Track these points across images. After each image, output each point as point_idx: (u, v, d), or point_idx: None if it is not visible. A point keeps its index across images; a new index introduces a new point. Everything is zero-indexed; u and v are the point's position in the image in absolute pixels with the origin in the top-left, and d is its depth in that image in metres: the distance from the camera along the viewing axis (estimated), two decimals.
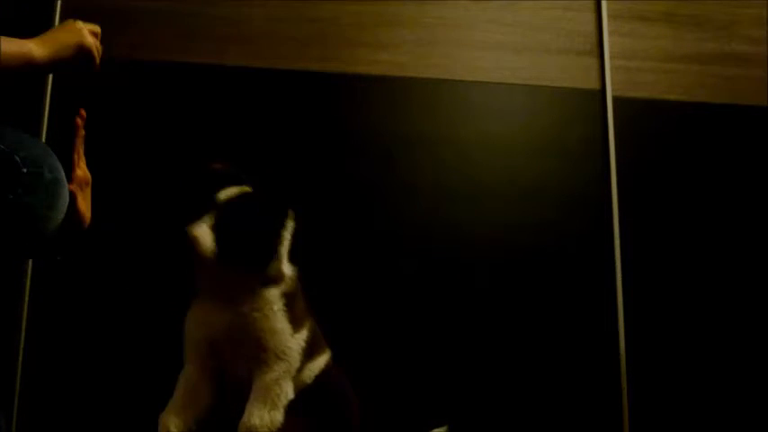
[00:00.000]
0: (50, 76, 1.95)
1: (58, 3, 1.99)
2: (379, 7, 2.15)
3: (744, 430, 2.01)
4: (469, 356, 1.99)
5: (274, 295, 1.36)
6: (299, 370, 1.38)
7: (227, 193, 1.38)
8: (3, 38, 1.06)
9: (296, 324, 1.38)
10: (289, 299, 1.38)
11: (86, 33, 1.22)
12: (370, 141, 2.06)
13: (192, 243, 1.29)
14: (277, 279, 1.37)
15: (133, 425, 1.84)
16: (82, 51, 1.20)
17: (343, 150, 2.06)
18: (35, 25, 1.98)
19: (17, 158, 1.03)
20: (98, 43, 1.25)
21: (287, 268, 1.40)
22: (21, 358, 1.84)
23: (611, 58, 2.19)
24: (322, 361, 1.45)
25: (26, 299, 1.87)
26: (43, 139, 1.94)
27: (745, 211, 2.15)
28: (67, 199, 1.15)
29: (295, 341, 1.37)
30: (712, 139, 2.20)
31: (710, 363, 2.05)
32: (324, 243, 1.94)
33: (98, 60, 1.24)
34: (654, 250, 2.10)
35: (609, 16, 2.22)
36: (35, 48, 1.12)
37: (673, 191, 2.15)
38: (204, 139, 2.00)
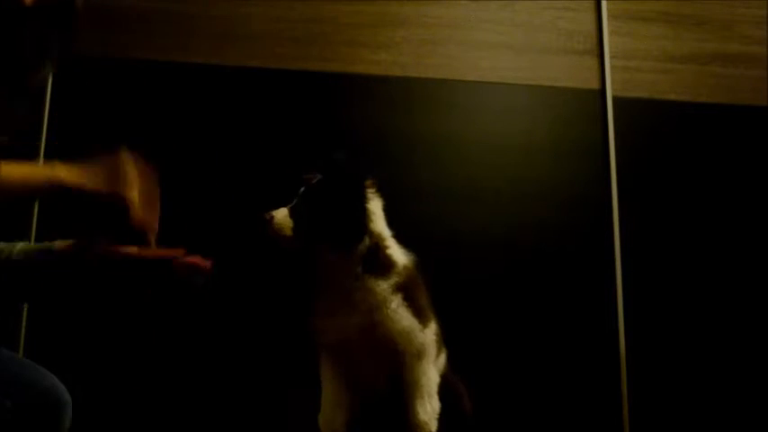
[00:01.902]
0: (50, 79, 1.95)
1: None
2: (379, 7, 2.15)
3: (744, 430, 2.01)
4: (469, 356, 1.98)
5: (386, 290, 1.33)
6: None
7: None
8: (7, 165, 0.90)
9: (422, 317, 1.36)
10: (407, 291, 1.35)
11: (128, 183, 0.96)
12: (370, 141, 2.06)
13: (269, 224, 1.30)
14: (385, 269, 1.34)
15: (133, 424, 1.84)
16: (112, 199, 0.96)
17: (342, 150, 2.05)
18: (52, 27, 1.98)
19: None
20: (152, 212, 1.00)
21: (398, 256, 1.39)
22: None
23: (611, 57, 2.19)
24: (444, 356, 1.45)
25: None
26: (43, 141, 1.94)
27: (744, 211, 2.15)
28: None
29: (426, 336, 1.36)
30: (712, 139, 2.20)
31: (710, 362, 2.05)
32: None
33: (135, 219, 0.97)
34: (654, 250, 2.10)
35: (609, 16, 2.22)
36: (62, 172, 0.95)
37: (672, 191, 2.15)
38: (204, 139, 2.00)
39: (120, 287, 1.10)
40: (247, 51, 2.07)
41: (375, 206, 1.39)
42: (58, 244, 1.02)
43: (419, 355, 1.34)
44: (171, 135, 2.00)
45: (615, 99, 2.17)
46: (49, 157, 1.94)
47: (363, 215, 1.35)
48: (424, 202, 2.05)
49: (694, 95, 2.21)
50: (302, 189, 1.39)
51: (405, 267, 1.38)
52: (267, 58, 2.08)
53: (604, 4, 2.22)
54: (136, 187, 0.97)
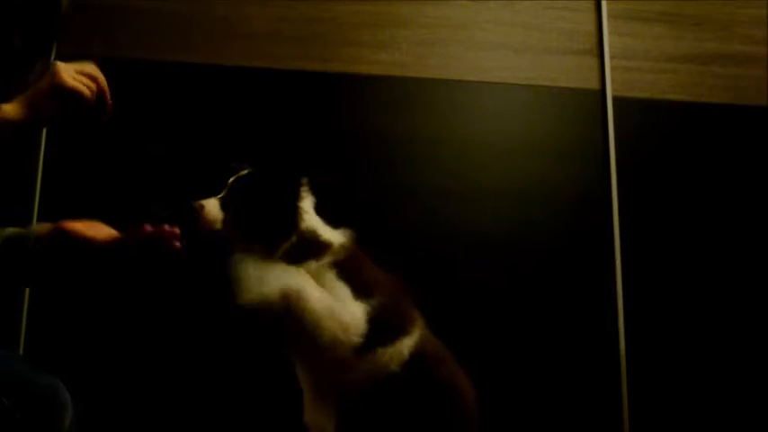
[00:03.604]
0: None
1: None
2: (379, 7, 2.15)
3: (744, 430, 2.01)
4: (469, 356, 1.98)
5: (316, 268, 1.28)
6: (368, 350, 1.27)
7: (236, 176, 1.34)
8: None
9: (359, 289, 1.28)
10: (343, 267, 1.29)
11: (63, 73, 1.06)
12: (370, 141, 2.06)
13: (198, 214, 1.25)
14: (317, 251, 1.29)
15: (133, 424, 1.84)
16: (60, 93, 1.05)
17: (342, 150, 2.06)
18: (36, 25, 1.98)
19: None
20: (89, 81, 1.09)
21: (332, 236, 1.33)
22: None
23: (611, 58, 2.19)
24: (410, 342, 1.33)
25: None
26: (43, 141, 1.94)
27: (745, 211, 2.15)
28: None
29: (358, 306, 1.27)
30: (712, 139, 2.19)
31: (710, 362, 2.05)
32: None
33: (90, 99, 1.08)
34: (654, 250, 2.10)
35: (609, 16, 2.22)
36: (7, 108, 1.01)
37: (673, 191, 2.15)
38: (204, 139, 2.00)
39: (99, 270, 1.14)
40: (247, 51, 2.07)
41: (307, 205, 1.35)
42: (37, 228, 1.02)
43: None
44: (171, 135, 2.00)
45: (615, 99, 2.16)
46: (50, 157, 1.94)
47: (295, 213, 1.31)
48: (424, 201, 2.05)
49: (694, 95, 2.21)
50: (231, 179, 1.34)
51: (341, 246, 1.32)
52: (267, 58, 2.08)
53: (604, 4, 2.22)
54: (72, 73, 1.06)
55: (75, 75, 1.08)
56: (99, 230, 1.04)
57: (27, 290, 1.87)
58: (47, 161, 1.94)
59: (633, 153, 2.14)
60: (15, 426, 1.03)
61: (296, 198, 1.32)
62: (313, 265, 1.29)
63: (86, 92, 1.07)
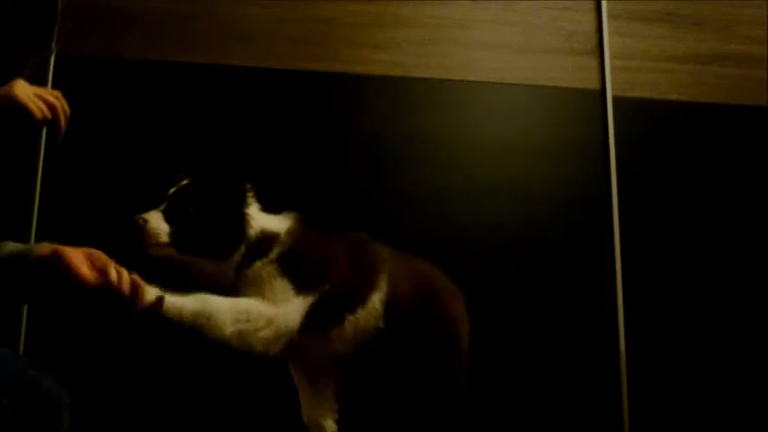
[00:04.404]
0: (50, 79, 1.95)
1: (59, 2, 1.99)
2: (379, 7, 2.15)
3: (744, 430, 2.01)
4: (469, 356, 1.98)
5: (260, 267, 1.24)
6: (335, 324, 1.27)
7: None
8: None
9: (302, 282, 1.25)
10: (287, 259, 1.26)
11: (18, 89, 1.10)
12: (370, 141, 2.06)
13: (143, 229, 1.21)
14: (265, 249, 1.26)
15: (133, 424, 1.84)
16: (10, 105, 1.09)
17: (343, 150, 2.06)
18: (35, 26, 1.99)
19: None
20: (43, 105, 1.12)
21: (277, 225, 1.30)
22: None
23: (611, 58, 2.19)
24: (380, 295, 1.32)
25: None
26: (43, 141, 1.94)
27: (745, 211, 2.15)
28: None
29: (296, 302, 1.24)
30: (712, 139, 2.20)
31: (710, 362, 2.05)
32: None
33: (38, 120, 1.11)
34: (654, 250, 2.10)
35: (609, 16, 2.22)
36: None
37: (672, 190, 2.15)
38: (204, 140, 2.00)
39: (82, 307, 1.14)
40: (248, 51, 2.07)
41: (253, 210, 1.31)
42: (38, 249, 1.02)
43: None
44: (171, 135, 2.00)
45: (615, 99, 2.17)
46: (50, 157, 1.94)
47: (242, 220, 1.27)
48: (424, 201, 2.05)
49: (694, 95, 2.21)
50: (172, 190, 1.29)
51: (287, 233, 1.29)
52: (268, 58, 2.08)
53: (604, 4, 2.22)
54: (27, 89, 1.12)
55: (31, 94, 1.12)
56: (93, 264, 1.03)
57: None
58: (47, 160, 1.94)
59: (633, 153, 2.14)
60: (15, 426, 1.03)
61: (242, 205, 1.28)
62: (258, 264, 1.26)
63: (36, 112, 1.11)
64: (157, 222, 1.23)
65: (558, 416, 1.97)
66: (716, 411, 2.02)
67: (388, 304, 1.33)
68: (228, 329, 1.17)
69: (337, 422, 1.46)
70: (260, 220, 1.31)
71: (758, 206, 2.16)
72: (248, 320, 1.19)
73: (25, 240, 1.89)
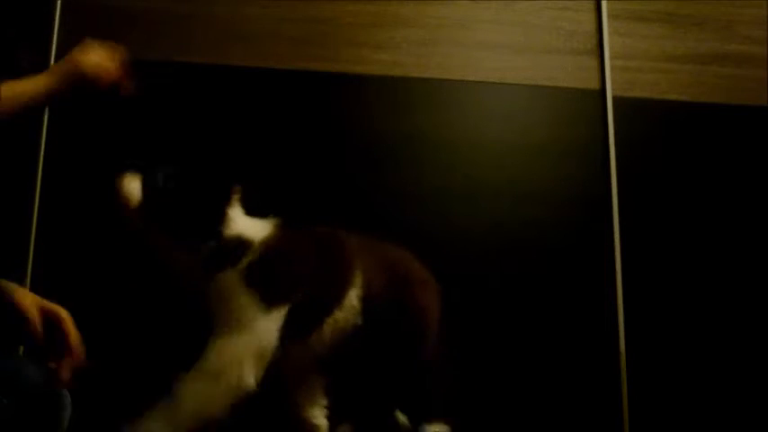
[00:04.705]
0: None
1: (58, 2, 1.99)
2: (379, 7, 2.15)
3: (744, 430, 2.01)
4: (469, 356, 1.99)
5: (231, 275, 1.21)
6: (314, 329, 1.25)
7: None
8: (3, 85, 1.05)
9: (271, 296, 1.20)
10: (256, 271, 1.22)
11: (86, 54, 1.17)
12: (370, 141, 2.06)
13: (119, 189, 1.21)
14: (236, 257, 1.22)
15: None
16: (77, 74, 1.16)
17: (343, 150, 2.06)
18: (34, 26, 1.99)
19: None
20: (109, 63, 1.19)
21: (254, 232, 1.26)
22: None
23: (611, 58, 2.19)
24: (353, 300, 1.29)
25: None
26: (43, 141, 1.94)
27: (745, 211, 2.15)
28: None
29: (269, 318, 1.20)
30: (712, 139, 2.20)
31: (710, 362, 2.05)
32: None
33: (107, 79, 1.18)
34: (654, 250, 2.10)
35: (609, 16, 2.22)
36: (30, 84, 1.11)
37: (673, 191, 2.15)
38: (204, 140, 2.00)
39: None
40: (248, 51, 2.07)
41: (235, 213, 1.29)
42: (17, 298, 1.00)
43: (242, 331, 1.18)
44: (170, 135, 2.00)
45: (615, 99, 2.16)
46: (50, 157, 1.94)
47: (222, 217, 1.25)
48: (424, 201, 2.05)
49: (694, 95, 2.21)
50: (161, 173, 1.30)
51: (261, 243, 1.25)
52: (267, 58, 2.08)
53: (604, 4, 2.22)
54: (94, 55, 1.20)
55: (99, 61, 1.20)
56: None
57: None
58: (47, 160, 1.94)
59: (633, 153, 2.14)
60: (15, 425, 1.03)
61: (224, 204, 1.27)
62: (227, 273, 1.23)
63: (105, 78, 1.20)
64: (132, 185, 1.24)
65: (557, 416, 1.97)
66: (716, 411, 2.02)
67: (365, 299, 1.32)
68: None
69: (328, 417, 1.46)
70: (239, 223, 1.29)
71: (758, 206, 2.16)
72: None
73: (24, 244, 1.90)
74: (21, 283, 1.86)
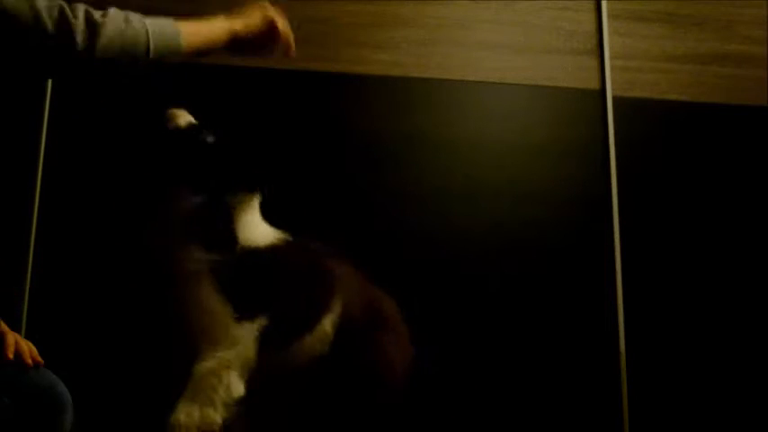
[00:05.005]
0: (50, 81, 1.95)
1: None
2: (379, 7, 2.15)
3: (744, 430, 2.01)
4: (469, 356, 1.99)
5: (202, 264, 1.17)
6: (284, 348, 1.20)
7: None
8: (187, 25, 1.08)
9: (241, 308, 1.17)
10: (230, 273, 1.18)
11: (280, 20, 1.23)
12: (370, 141, 2.06)
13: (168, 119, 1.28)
14: (219, 243, 1.19)
15: (133, 424, 1.84)
16: (267, 35, 1.21)
17: (343, 150, 2.06)
18: None
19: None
20: (285, 27, 1.24)
21: (251, 236, 1.25)
22: None
23: (611, 58, 2.19)
24: (327, 328, 1.25)
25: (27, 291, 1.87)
26: (43, 141, 1.94)
27: (745, 211, 2.15)
28: None
29: (242, 328, 1.16)
30: (712, 139, 2.20)
31: (710, 362, 2.05)
32: (323, 243, 1.94)
33: (278, 42, 1.23)
34: (654, 250, 2.10)
35: (609, 16, 2.22)
36: (214, 32, 1.15)
37: (673, 191, 2.15)
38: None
39: None
40: None
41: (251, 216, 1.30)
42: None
43: (217, 344, 1.15)
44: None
45: (615, 99, 2.16)
46: (50, 156, 1.94)
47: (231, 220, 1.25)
48: (424, 202, 2.05)
49: (694, 95, 2.21)
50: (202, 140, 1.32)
51: (251, 250, 1.22)
52: (267, 59, 2.07)
53: (604, 4, 2.22)
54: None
55: (280, 24, 1.23)
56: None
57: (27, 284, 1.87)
58: (47, 160, 1.94)
59: (633, 153, 2.14)
60: (15, 425, 1.03)
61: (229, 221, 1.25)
62: (202, 258, 1.20)
63: (277, 41, 1.23)
64: (184, 117, 1.31)
65: (557, 416, 1.97)
66: (716, 411, 2.02)
67: (339, 329, 1.28)
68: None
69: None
70: (252, 226, 1.29)
71: (758, 206, 2.16)
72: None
73: (24, 243, 1.90)
74: (20, 284, 1.87)
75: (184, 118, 1.32)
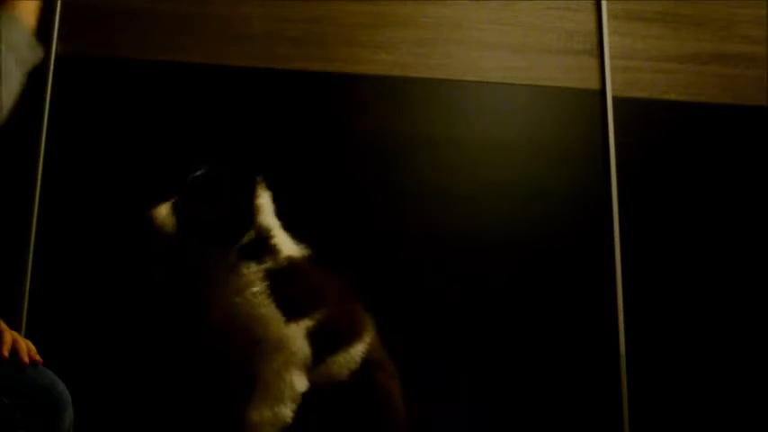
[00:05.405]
0: (50, 79, 1.94)
1: (58, 3, 1.99)
2: (379, 7, 2.15)
3: (744, 430, 2.01)
4: (469, 356, 1.99)
5: (253, 272, 1.26)
6: (318, 362, 1.27)
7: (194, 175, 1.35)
8: None
9: (289, 311, 1.26)
10: (277, 279, 1.27)
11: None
12: (370, 141, 2.06)
13: (151, 222, 1.27)
14: (261, 254, 1.28)
15: (134, 424, 1.84)
16: None
17: (342, 150, 2.06)
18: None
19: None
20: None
21: (284, 245, 1.32)
22: None
23: (611, 58, 2.19)
24: (356, 354, 1.32)
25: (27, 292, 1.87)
26: (43, 141, 1.94)
27: (745, 211, 2.15)
28: None
29: (289, 331, 1.24)
30: (712, 139, 2.20)
31: (710, 362, 2.05)
32: (323, 243, 1.94)
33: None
34: (654, 250, 2.10)
35: (609, 16, 2.22)
36: None
37: (673, 191, 2.15)
38: (204, 140, 2.00)
39: None
40: (247, 51, 2.07)
41: (264, 201, 1.35)
42: None
43: (275, 348, 1.23)
44: (170, 136, 2.00)
45: (615, 99, 2.17)
46: (50, 156, 1.94)
47: (251, 210, 1.31)
48: (424, 202, 2.05)
49: (694, 95, 2.21)
50: (187, 182, 1.35)
51: (287, 258, 1.30)
52: (267, 58, 2.08)
53: (604, 4, 2.22)
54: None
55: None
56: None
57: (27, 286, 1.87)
58: (47, 160, 1.94)
59: (633, 153, 2.14)
60: (15, 425, 1.03)
61: (251, 195, 1.32)
62: (251, 267, 1.28)
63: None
64: (166, 215, 1.30)
65: (557, 416, 1.97)
66: (716, 411, 2.02)
67: (364, 361, 1.33)
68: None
69: None
70: (270, 215, 1.34)
71: (758, 206, 2.16)
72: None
73: (25, 239, 1.91)
74: (21, 283, 1.87)
75: (165, 217, 1.32)
